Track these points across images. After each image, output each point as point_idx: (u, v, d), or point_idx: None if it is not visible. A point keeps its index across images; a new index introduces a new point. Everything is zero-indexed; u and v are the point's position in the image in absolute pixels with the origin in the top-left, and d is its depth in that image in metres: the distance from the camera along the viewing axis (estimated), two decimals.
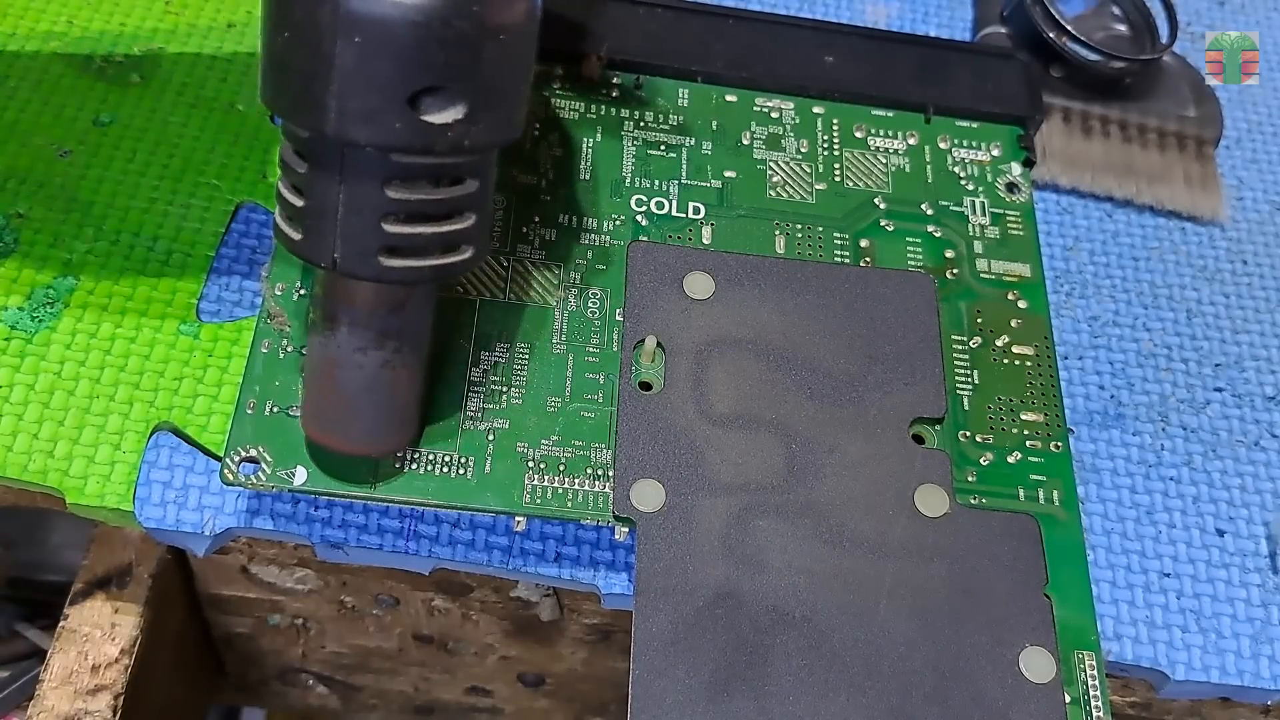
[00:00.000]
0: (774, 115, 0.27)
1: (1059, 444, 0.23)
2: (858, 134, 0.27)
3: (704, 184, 0.26)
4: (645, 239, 0.25)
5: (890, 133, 0.27)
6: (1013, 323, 0.25)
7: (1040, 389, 0.24)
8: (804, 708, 0.20)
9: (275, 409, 0.21)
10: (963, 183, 0.27)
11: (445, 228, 0.19)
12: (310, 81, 0.18)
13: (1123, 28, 0.30)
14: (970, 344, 0.24)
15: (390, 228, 0.19)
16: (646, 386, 0.23)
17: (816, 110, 0.27)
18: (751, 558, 0.21)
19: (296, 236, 0.19)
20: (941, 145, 0.27)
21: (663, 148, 0.26)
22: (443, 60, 0.18)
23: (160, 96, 0.27)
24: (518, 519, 0.21)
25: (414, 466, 0.21)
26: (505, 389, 0.22)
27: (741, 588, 0.21)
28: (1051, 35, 0.29)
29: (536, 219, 0.25)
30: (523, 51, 0.19)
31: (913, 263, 0.25)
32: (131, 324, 0.24)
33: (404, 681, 0.32)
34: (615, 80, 0.27)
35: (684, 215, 0.25)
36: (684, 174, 0.26)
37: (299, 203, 0.19)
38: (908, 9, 0.32)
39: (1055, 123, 0.29)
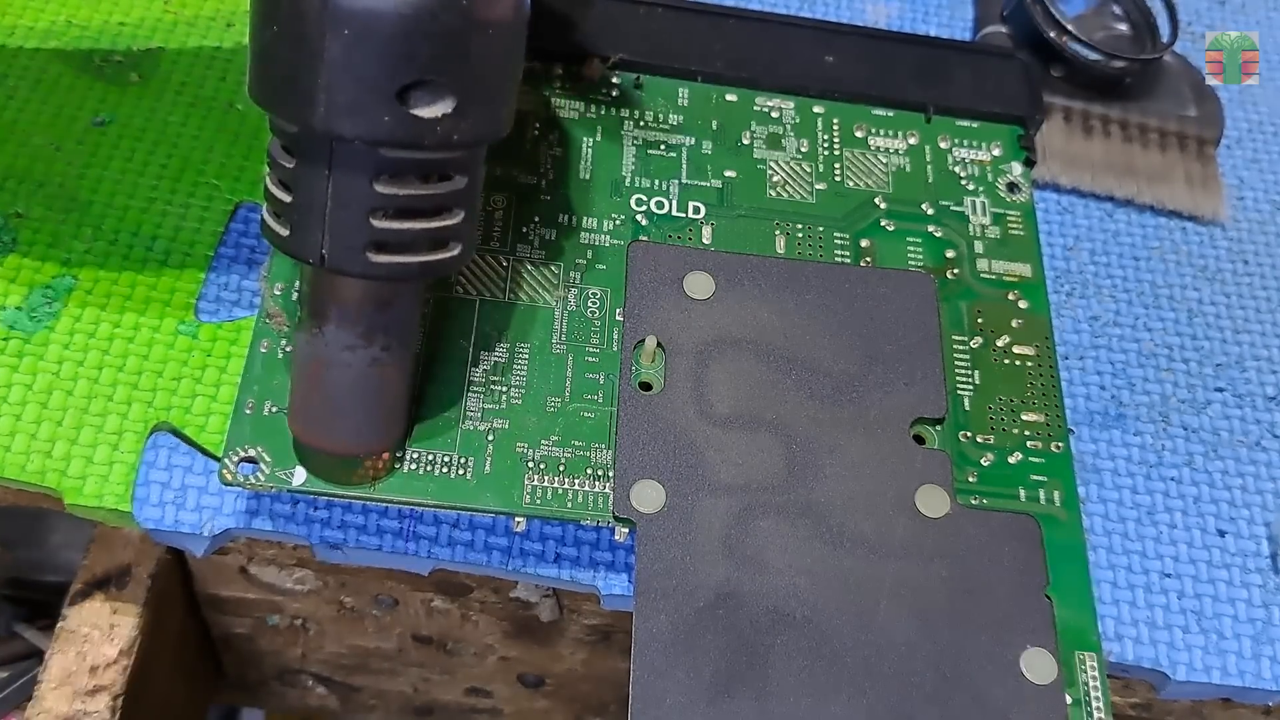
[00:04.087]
0: (774, 115, 0.27)
1: (1060, 444, 0.23)
2: (858, 134, 0.27)
3: (704, 184, 0.26)
4: (645, 239, 0.25)
5: (890, 132, 0.27)
6: (1013, 323, 0.25)
7: (1041, 389, 0.24)
8: (804, 708, 0.20)
9: (274, 409, 0.21)
10: (963, 182, 0.27)
11: (433, 224, 0.19)
12: (298, 75, 0.18)
13: (1123, 27, 0.30)
14: (971, 344, 0.24)
15: (378, 223, 0.19)
16: (646, 386, 0.23)
17: (817, 110, 0.27)
18: (752, 558, 0.21)
19: (284, 232, 0.19)
20: (942, 145, 0.27)
21: (663, 148, 0.26)
22: (431, 54, 0.17)
23: (159, 96, 0.27)
24: (517, 519, 0.21)
25: (413, 466, 0.21)
26: (505, 389, 0.22)
27: (742, 588, 0.21)
28: (1052, 35, 0.29)
29: (536, 219, 0.25)
30: (511, 46, 0.19)
31: (913, 263, 0.25)
32: (130, 323, 0.24)
33: (403, 682, 0.32)
34: (615, 80, 0.27)
35: (684, 215, 0.25)
36: (684, 174, 0.26)
37: (286, 198, 0.19)
38: (908, 9, 0.32)
39: (1056, 122, 0.29)
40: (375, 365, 0.20)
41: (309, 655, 0.31)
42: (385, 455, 0.21)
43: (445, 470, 0.21)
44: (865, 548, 0.21)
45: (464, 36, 0.18)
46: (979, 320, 0.25)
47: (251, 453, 0.21)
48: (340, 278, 0.19)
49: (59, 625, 0.25)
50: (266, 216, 0.20)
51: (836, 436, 0.22)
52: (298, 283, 0.23)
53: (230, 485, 0.21)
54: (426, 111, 0.18)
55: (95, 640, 0.25)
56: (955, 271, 0.25)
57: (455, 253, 0.20)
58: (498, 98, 0.19)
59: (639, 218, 0.25)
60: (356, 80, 0.17)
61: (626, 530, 0.21)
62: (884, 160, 0.27)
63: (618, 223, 0.25)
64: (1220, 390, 0.27)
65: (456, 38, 0.18)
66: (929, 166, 0.27)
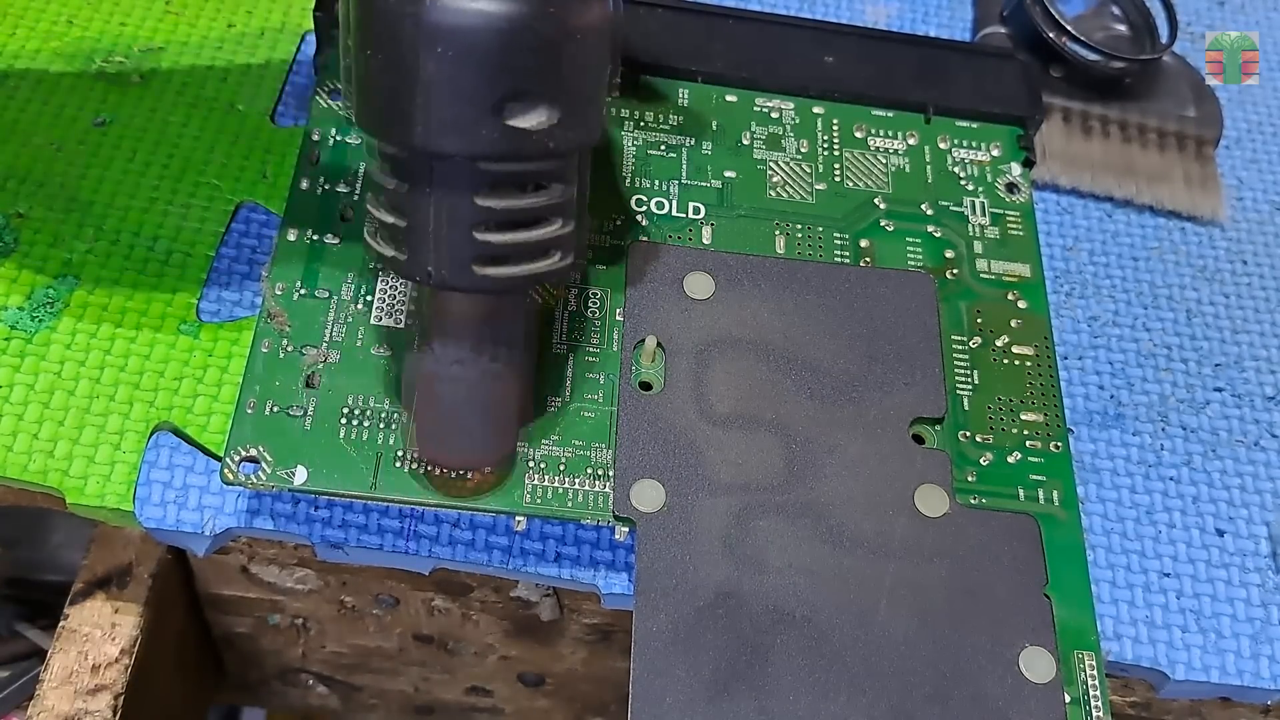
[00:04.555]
0: (774, 115, 0.27)
1: (1059, 444, 0.23)
2: (858, 134, 0.27)
3: (704, 184, 0.26)
4: (645, 239, 0.25)
5: (890, 133, 0.27)
6: (1012, 323, 0.25)
7: (1040, 389, 0.24)
8: (804, 707, 0.20)
9: (275, 409, 0.21)
10: (963, 183, 0.27)
11: (535, 234, 0.19)
12: (399, 97, 0.18)
13: (1123, 28, 0.30)
14: (970, 344, 0.24)
15: (482, 236, 0.19)
16: (646, 386, 0.23)
17: (816, 110, 0.27)
18: (752, 558, 0.21)
19: (390, 253, 0.19)
20: (941, 145, 0.27)
21: (663, 148, 0.26)
22: (525, 65, 0.18)
23: (160, 96, 0.27)
24: (518, 519, 0.21)
25: (414, 466, 0.21)
26: None
27: (742, 587, 0.21)
28: (1051, 35, 0.29)
29: None
30: (601, 51, 0.19)
31: (913, 263, 0.25)
32: (131, 324, 0.24)
33: (404, 681, 0.32)
34: (615, 80, 0.27)
35: (684, 215, 0.25)
36: (684, 174, 0.26)
37: (389, 219, 0.19)
38: (908, 9, 0.32)
39: (1055, 123, 0.29)
40: (486, 377, 0.20)
41: (310, 654, 0.31)
42: (493, 466, 0.21)
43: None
44: (865, 547, 0.21)
45: (557, 46, 0.18)
46: (978, 320, 0.25)
47: (253, 452, 0.21)
48: (450, 294, 0.20)
49: (60, 624, 0.25)
50: (370, 239, 0.20)
51: (836, 436, 0.22)
52: (298, 283, 0.23)
53: (231, 485, 0.21)
54: (523, 122, 0.18)
55: (96, 639, 0.25)
56: (955, 272, 0.25)
57: (561, 260, 0.20)
58: (591, 103, 0.19)
59: (639, 218, 0.25)
60: (454, 96, 0.18)
61: (626, 529, 0.21)
62: (884, 161, 0.27)
63: (618, 223, 0.25)
64: (1219, 390, 0.27)
65: (549, 48, 0.18)
66: (928, 167, 0.27)
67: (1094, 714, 0.21)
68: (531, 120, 0.18)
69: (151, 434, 0.23)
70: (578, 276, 0.23)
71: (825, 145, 0.27)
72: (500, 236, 0.19)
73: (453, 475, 0.21)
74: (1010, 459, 0.23)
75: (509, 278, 0.19)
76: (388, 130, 0.18)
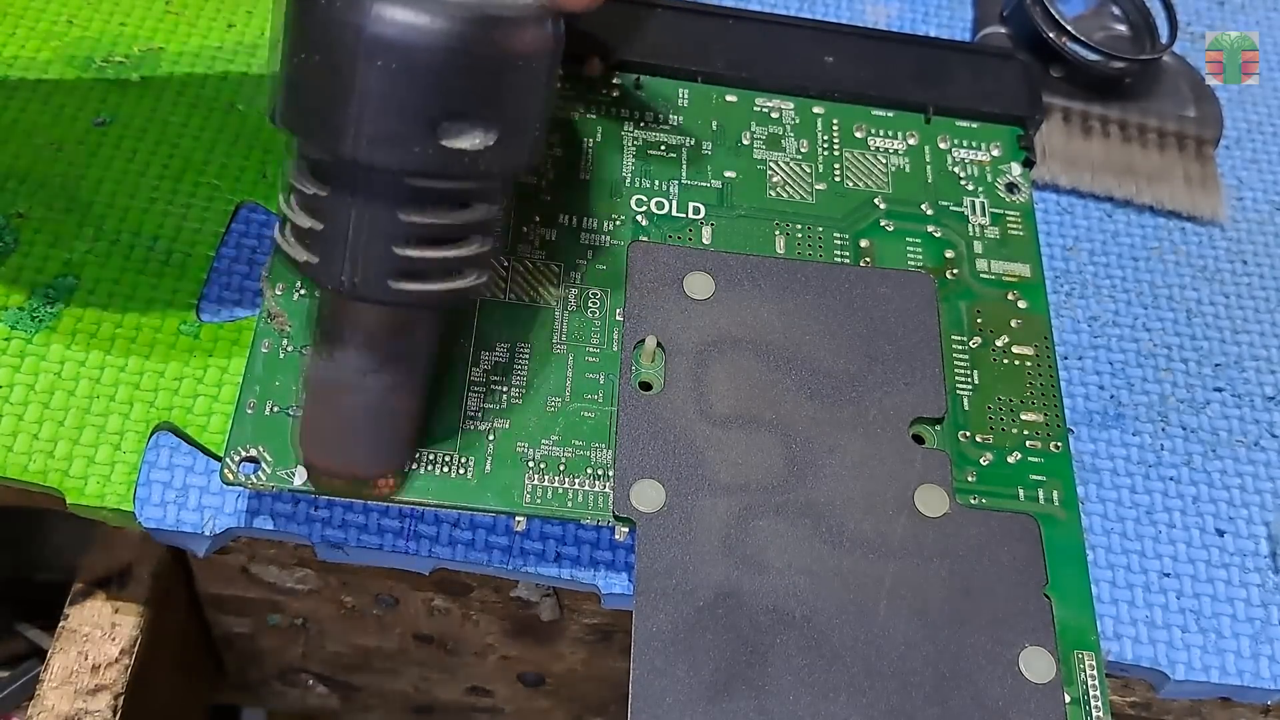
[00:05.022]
0: (774, 115, 0.27)
1: (1059, 444, 0.23)
2: (858, 134, 0.27)
3: (704, 184, 0.26)
4: (645, 239, 0.25)
5: (890, 133, 0.27)
6: (1012, 323, 0.25)
7: (1040, 389, 0.24)
8: (804, 708, 0.20)
9: (275, 409, 0.21)
10: (963, 183, 0.27)
11: (457, 252, 0.19)
12: (331, 104, 0.18)
13: (1122, 28, 0.30)
14: (970, 344, 0.24)
15: (402, 251, 0.19)
16: (646, 386, 0.23)
17: (816, 110, 0.27)
18: (751, 558, 0.21)
19: (304, 258, 0.19)
20: (941, 145, 0.27)
21: (663, 148, 0.26)
22: (464, 86, 0.18)
23: (160, 96, 0.27)
24: (518, 519, 0.21)
25: (414, 466, 0.21)
26: (505, 389, 0.22)
27: (741, 588, 0.21)
28: (1051, 35, 0.29)
29: (536, 219, 0.25)
30: (542, 79, 0.19)
31: (913, 263, 0.25)
32: (132, 324, 0.24)
33: (404, 681, 0.32)
34: (615, 80, 0.27)
35: (684, 215, 0.25)
36: (684, 174, 0.26)
37: (308, 223, 0.19)
38: (908, 9, 0.32)
39: (1055, 123, 0.29)
40: (391, 391, 0.20)
41: (310, 654, 0.31)
42: (392, 477, 0.21)
43: (446, 470, 0.21)
44: (865, 547, 0.21)
45: (497, 69, 0.18)
46: (978, 320, 0.25)
47: (253, 452, 0.21)
48: (360, 304, 0.19)
49: (60, 624, 0.25)
50: (283, 239, 0.19)
51: (836, 436, 0.22)
52: (299, 283, 0.23)
53: (232, 485, 0.21)
54: (457, 143, 0.18)
55: (97, 639, 0.25)
56: (955, 271, 0.25)
57: (476, 279, 0.20)
58: (527, 129, 0.19)
59: (639, 218, 0.25)
60: (390, 111, 0.17)
61: (626, 529, 0.21)
62: (884, 161, 0.27)
63: (618, 223, 0.25)
64: (1219, 390, 0.27)
65: (489, 70, 0.18)
66: (928, 167, 0.27)
67: (1094, 714, 0.21)
68: (466, 141, 0.18)
69: (152, 434, 0.23)
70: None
71: (825, 145, 0.27)
72: (421, 252, 0.19)
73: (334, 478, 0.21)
74: (1010, 459, 0.23)
75: (426, 293, 0.19)
76: (315, 135, 0.18)
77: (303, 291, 0.23)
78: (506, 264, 0.24)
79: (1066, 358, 0.26)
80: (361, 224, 0.18)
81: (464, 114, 0.18)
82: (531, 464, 0.22)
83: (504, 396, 0.22)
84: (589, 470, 0.22)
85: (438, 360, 0.22)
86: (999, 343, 0.24)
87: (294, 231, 0.19)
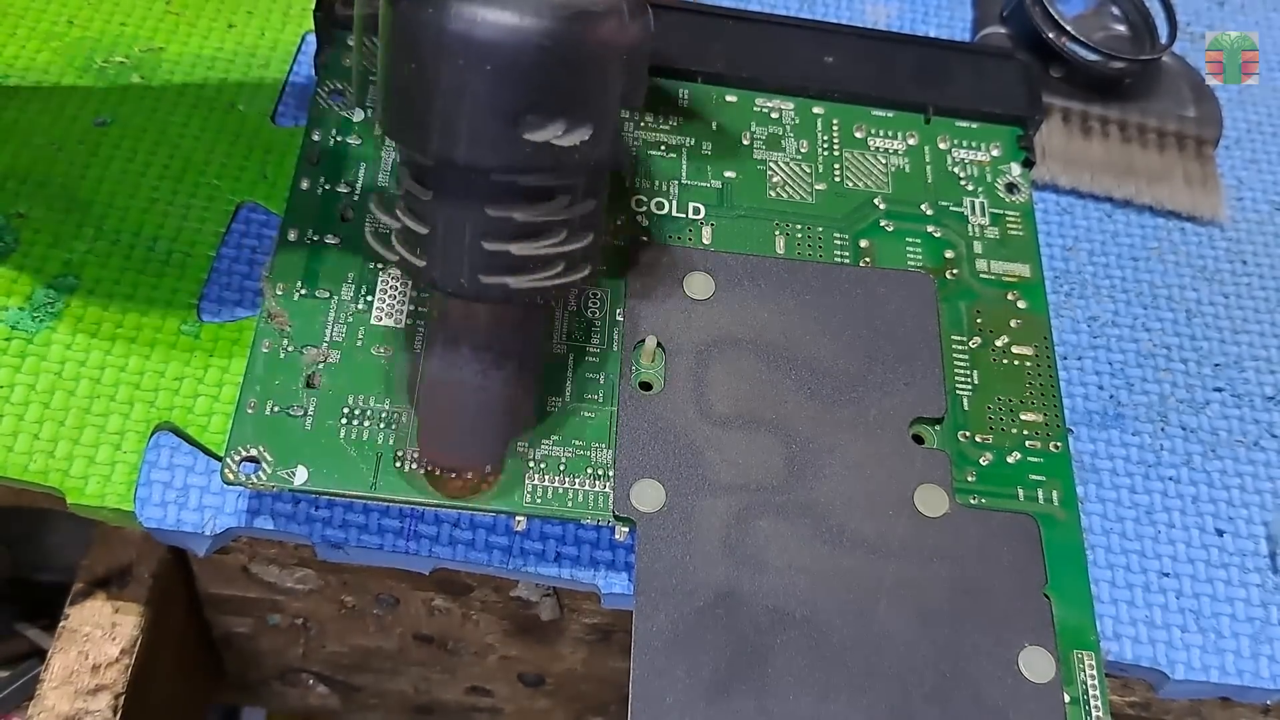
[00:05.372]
0: (774, 115, 0.27)
1: (1058, 444, 0.23)
2: (858, 134, 0.27)
3: (704, 184, 0.26)
4: (645, 239, 0.25)
5: (890, 133, 0.27)
6: (1012, 323, 0.25)
7: (1040, 389, 0.24)
8: (804, 707, 0.20)
9: (276, 409, 0.21)
10: (962, 183, 0.27)
11: (547, 246, 0.19)
12: (415, 104, 0.18)
13: (1122, 28, 0.30)
14: (970, 344, 0.24)
15: (490, 246, 0.19)
16: (646, 386, 0.23)
17: (816, 110, 0.27)
18: (751, 558, 0.21)
19: (410, 259, 0.20)
20: (941, 145, 0.27)
21: (663, 148, 0.26)
22: (543, 79, 0.18)
23: (160, 96, 0.27)
24: (518, 519, 0.21)
25: (415, 466, 0.21)
26: None
27: (741, 588, 0.21)
28: (1051, 35, 0.29)
29: None
30: (620, 70, 0.19)
31: (912, 263, 0.25)
32: (132, 324, 0.24)
33: (404, 681, 0.32)
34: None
35: (684, 215, 0.25)
36: (684, 174, 0.26)
37: (406, 224, 0.19)
38: (908, 9, 0.33)
39: (1055, 123, 0.29)
40: (490, 384, 0.20)
41: (310, 654, 0.31)
42: (490, 471, 0.21)
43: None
44: (865, 547, 0.21)
45: (575, 62, 0.18)
46: (978, 320, 0.25)
47: (253, 452, 0.21)
48: (457, 300, 0.20)
49: (61, 624, 0.25)
50: (396, 248, 0.20)
51: (836, 436, 0.22)
52: (299, 283, 0.23)
53: (232, 485, 0.21)
54: (538, 136, 0.18)
55: (97, 639, 0.25)
56: (954, 272, 0.25)
57: (571, 273, 0.20)
58: (609, 121, 0.19)
59: (639, 218, 0.25)
60: (469, 107, 0.18)
61: (626, 529, 0.21)
62: (883, 161, 0.27)
63: (618, 223, 0.25)
64: (1218, 390, 0.27)
65: (567, 63, 0.18)
66: (928, 167, 0.27)
67: (1093, 714, 0.21)
68: (546, 134, 0.18)
69: (152, 434, 0.23)
70: (590, 286, 0.23)
71: (825, 145, 0.27)
72: (510, 247, 0.19)
73: (453, 476, 0.21)
74: (1010, 459, 0.23)
75: (517, 288, 0.19)
76: (406, 136, 0.19)
77: (303, 291, 0.23)
78: None
79: (1066, 358, 0.27)
80: (452, 221, 0.19)
81: (543, 107, 0.18)
82: (531, 464, 0.22)
83: None
84: (589, 470, 0.22)
85: (539, 356, 0.22)
86: (999, 343, 0.24)
87: (395, 232, 0.20)
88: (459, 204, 0.19)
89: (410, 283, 0.23)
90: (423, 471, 0.21)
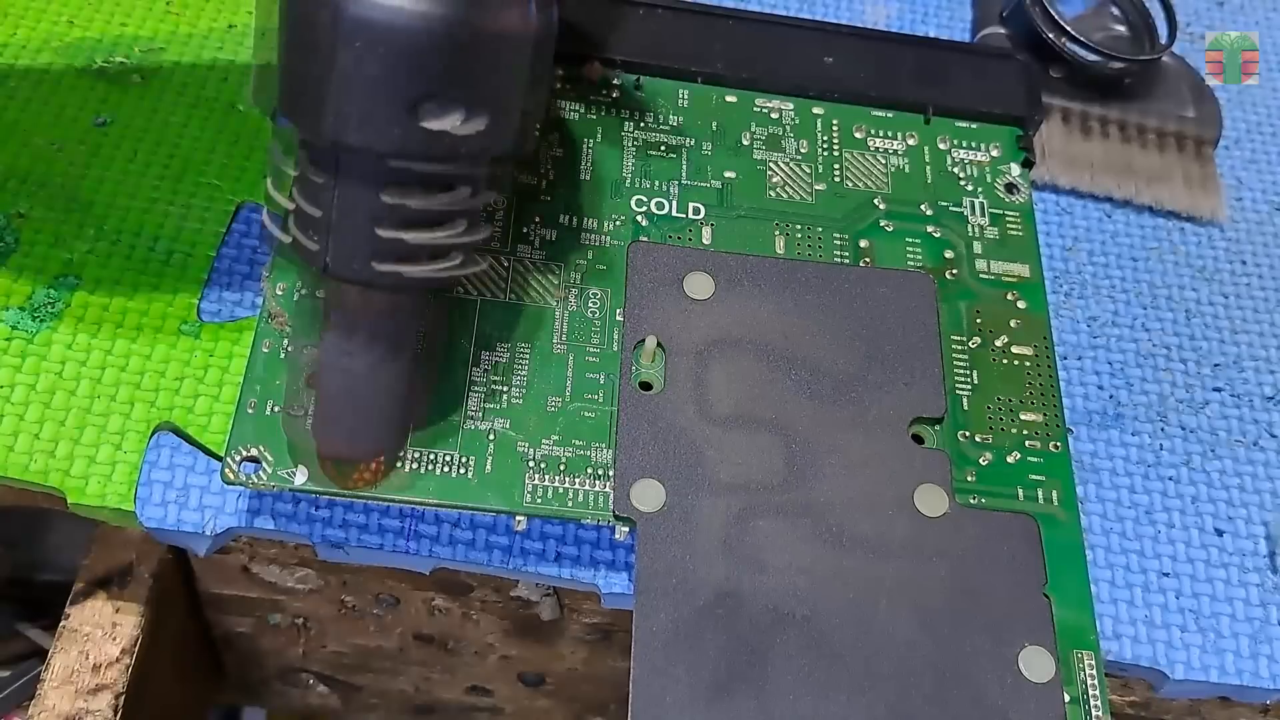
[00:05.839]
0: (774, 116, 0.27)
1: (1058, 444, 0.23)
2: (857, 134, 0.27)
3: (704, 184, 0.26)
4: (645, 239, 0.25)
5: (890, 133, 0.27)
6: (1012, 323, 0.25)
7: (1039, 389, 0.24)
8: (804, 708, 0.20)
9: (276, 409, 0.21)
10: (962, 183, 0.27)
11: (439, 235, 0.19)
12: (309, 85, 0.18)
13: (1122, 28, 0.30)
14: (970, 344, 0.24)
15: (384, 232, 0.19)
16: (647, 386, 0.23)
17: (816, 111, 0.27)
18: (751, 558, 0.21)
19: (288, 239, 0.19)
20: (941, 146, 0.27)
21: (663, 148, 0.26)
22: (441, 66, 0.18)
23: (160, 96, 0.27)
24: (518, 519, 0.21)
25: (415, 466, 0.21)
26: (505, 389, 0.22)
27: (741, 588, 0.21)
28: (1051, 36, 0.29)
29: (537, 219, 0.25)
30: (525, 59, 0.19)
31: (912, 263, 0.25)
32: (132, 324, 0.24)
33: (404, 681, 0.32)
34: (615, 81, 0.27)
35: (684, 215, 0.25)
36: (684, 174, 0.26)
37: (292, 205, 0.19)
38: (907, 9, 0.33)
39: (1055, 123, 0.29)
40: (373, 371, 0.20)
41: (310, 654, 0.31)
42: (379, 461, 0.21)
43: (446, 469, 0.21)
44: (865, 547, 0.21)
45: (473, 49, 0.18)
46: (978, 320, 0.25)
47: (254, 452, 0.21)
48: (343, 285, 0.20)
49: (61, 624, 0.25)
50: (269, 221, 0.20)
51: (836, 436, 0.22)
52: (299, 283, 0.23)
53: (232, 484, 0.21)
54: (436, 124, 0.18)
55: (97, 639, 0.25)
56: (954, 272, 0.25)
57: (461, 266, 0.20)
58: (508, 112, 0.19)
59: (639, 218, 0.25)
60: (366, 92, 0.17)
61: (627, 529, 0.21)
62: (883, 161, 0.27)
63: (618, 223, 0.25)
64: (1218, 390, 0.27)
65: (466, 50, 0.18)
66: (928, 167, 0.27)
67: (1093, 714, 0.21)
68: (445, 123, 0.18)
69: (152, 434, 0.23)
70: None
71: (825, 145, 0.27)
72: (403, 234, 0.19)
73: (351, 466, 0.21)
74: (1010, 459, 0.23)
75: (407, 276, 0.19)
76: (298, 116, 0.18)
77: (303, 291, 0.23)
78: (507, 264, 0.24)
79: (1066, 358, 0.27)
80: (344, 205, 0.19)
81: (441, 95, 0.18)
82: (532, 464, 0.22)
83: (504, 396, 0.22)
84: (589, 470, 0.22)
85: (434, 349, 0.22)
86: (998, 343, 0.24)
87: (277, 212, 0.19)
88: (353, 188, 0.18)
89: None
90: (325, 463, 0.21)
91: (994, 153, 0.27)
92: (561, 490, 0.22)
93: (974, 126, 0.27)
